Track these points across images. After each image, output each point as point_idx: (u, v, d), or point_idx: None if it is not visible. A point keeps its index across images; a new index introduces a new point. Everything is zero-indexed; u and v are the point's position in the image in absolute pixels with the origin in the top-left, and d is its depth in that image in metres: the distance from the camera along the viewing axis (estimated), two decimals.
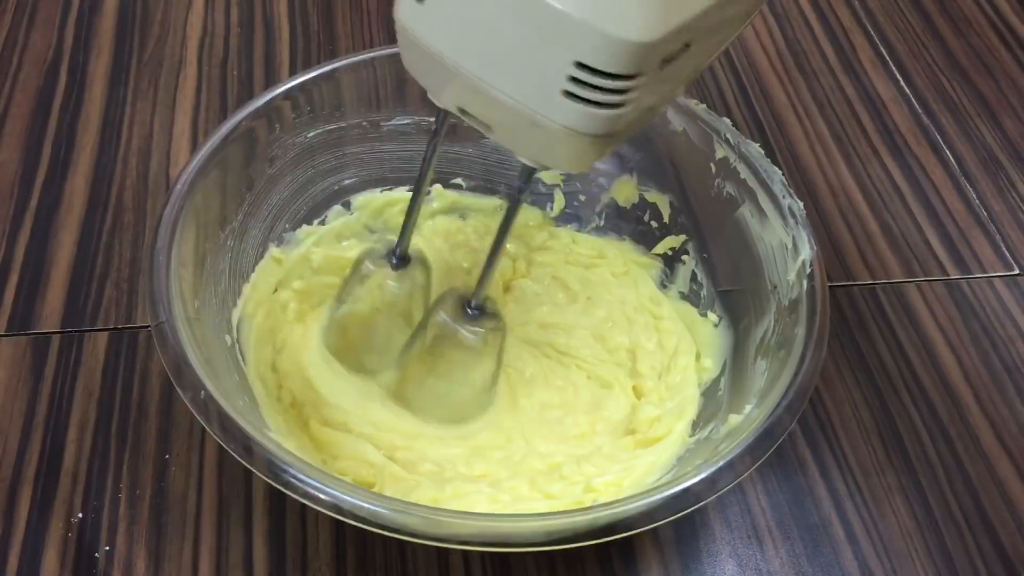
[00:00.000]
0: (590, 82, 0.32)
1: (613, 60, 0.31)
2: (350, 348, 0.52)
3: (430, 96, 0.40)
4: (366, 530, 0.39)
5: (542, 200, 0.60)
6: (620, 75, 0.31)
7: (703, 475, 0.40)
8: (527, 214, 0.60)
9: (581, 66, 0.31)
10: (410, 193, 0.59)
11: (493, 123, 0.37)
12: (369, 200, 0.58)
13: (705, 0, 0.32)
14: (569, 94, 0.32)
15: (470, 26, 0.33)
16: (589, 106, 0.32)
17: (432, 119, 0.56)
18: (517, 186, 0.41)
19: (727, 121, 0.52)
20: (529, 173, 0.40)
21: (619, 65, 0.31)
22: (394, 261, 0.48)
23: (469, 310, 0.46)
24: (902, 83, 0.75)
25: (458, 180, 0.59)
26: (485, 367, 0.48)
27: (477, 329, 0.46)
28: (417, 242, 0.54)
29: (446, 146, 0.58)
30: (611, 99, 0.32)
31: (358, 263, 0.50)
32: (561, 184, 0.59)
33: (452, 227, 0.59)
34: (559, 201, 0.60)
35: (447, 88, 0.37)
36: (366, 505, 0.38)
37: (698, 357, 0.54)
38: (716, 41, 0.36)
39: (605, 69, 0.31)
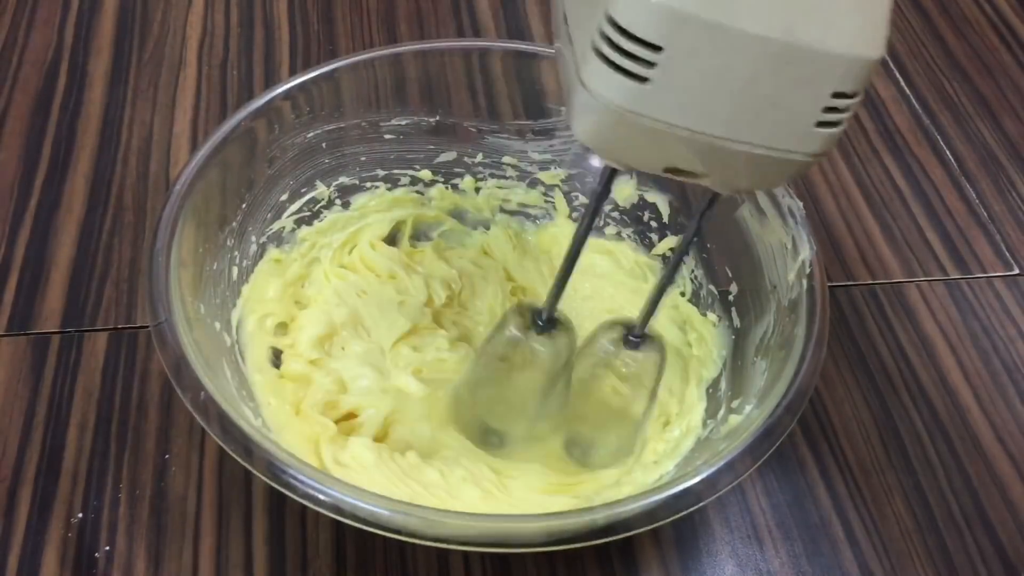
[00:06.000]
0: (843, 107, 0.34)
1: (865, 80, 0.34)
2: (481, 410, 0.50)
3: (618, 166, 0.38)
4: (366, 530, 0.39)
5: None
6: (859, 92, 0.34)
7: (703, 475, 0.40)
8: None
9: (839, 95, 0.33)
10: (412, 193, 0.59)
11: (711, 170, 0.37)
12: (369, 200, 0.58)
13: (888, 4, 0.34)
14: (823, 124, 0.34)
15: (712, 91, 0.33)
16: (837, 128, 0.34)
17: (431, 119, 0.57)
18: (702, 211, 0.41)
19: None
20: (713, 199, 0.40)
21: (866, 82, 0.34)
22: (540, 324, 0.46)
23: (632, 337, 0.46)
24: (902, 83, 0.75)
25: (457, 181, 0.59)
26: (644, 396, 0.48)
27: (637, 355, 0.46)
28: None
29: (444, 146, 0.58)
30: (850, 115, 0.35)
31: (502, 326, 0.47)
32: (560, 185, 0.59)
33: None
34: (559, 202, 0.60)
35: (664, 155, 0.36)
36: (366, 506, 0.38)
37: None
38: None
39: (858, 90, 0.33)
